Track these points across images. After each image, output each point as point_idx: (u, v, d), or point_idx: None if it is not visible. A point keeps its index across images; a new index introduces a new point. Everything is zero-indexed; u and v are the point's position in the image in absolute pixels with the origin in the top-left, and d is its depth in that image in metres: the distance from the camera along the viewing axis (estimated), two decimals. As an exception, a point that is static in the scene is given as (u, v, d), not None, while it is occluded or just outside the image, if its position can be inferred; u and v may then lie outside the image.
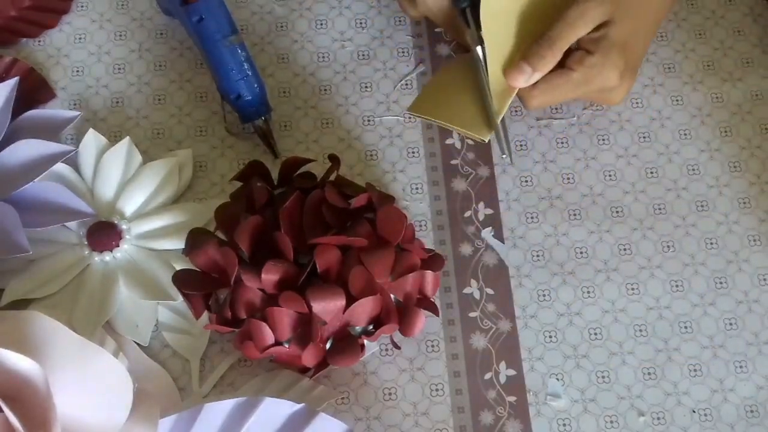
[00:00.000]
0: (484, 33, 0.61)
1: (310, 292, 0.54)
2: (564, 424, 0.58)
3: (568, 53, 0.61)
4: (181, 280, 0.58)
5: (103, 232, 0.60)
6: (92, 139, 0.64)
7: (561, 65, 0.61)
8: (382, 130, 0.67)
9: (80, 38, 0.70)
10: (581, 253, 0.63)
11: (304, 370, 0.58)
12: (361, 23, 0.71)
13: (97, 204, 0.62)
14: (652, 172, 0.66)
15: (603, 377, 0.60)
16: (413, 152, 0.66)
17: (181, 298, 0.59)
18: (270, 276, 0.55)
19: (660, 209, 0.65)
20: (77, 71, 0.69)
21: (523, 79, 0.60)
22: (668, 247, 0.63)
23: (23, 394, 0.47)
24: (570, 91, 0.62)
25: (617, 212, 0.65)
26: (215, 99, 0.67)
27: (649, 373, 0.60)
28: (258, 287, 0.55)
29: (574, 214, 0.64)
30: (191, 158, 0.65)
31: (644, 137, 0.67)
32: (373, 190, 0.60)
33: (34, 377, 0.46)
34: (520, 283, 0.62)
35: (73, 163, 0.63)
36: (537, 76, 0.60)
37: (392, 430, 0.58)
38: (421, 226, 0.64)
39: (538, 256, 0.63)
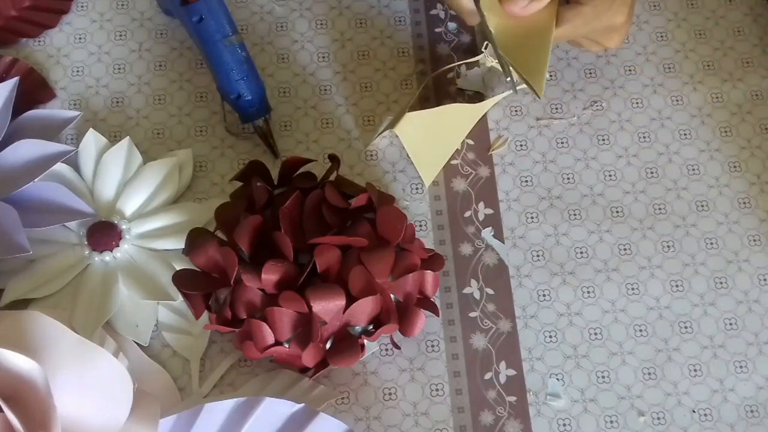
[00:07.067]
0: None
1: (310, 292, 0.54)
2: (564, 424, 0.58)
3: None
4: (181, 280, 0.58)
5: (103, 232, 0.60)
6: (92, 139, 0.64)
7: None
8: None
9: (80, 38, 0.70)
10: (581, 253, 0.63)
11: (304, 370, 0.58)
12: (361, 23, 0.71)
13: (97, 204, 0.62)
14: (652, 172, 0.66)
15: (603, 377, 0.60)
16: (413, 152, 0.66)
17: (181, 298, 0.59)
18: (270, 276, 0.55)
19: (660, 209, 0.65)
20: (77, 71, 0.69)
21: (519, 7, 0.61)
22: (668, 247, 0.63)
23: (23, 394, 0.47)
24: (579, 25, 0.62)
25: (617, 212, 0.65)
26: (215, 99, 0.67)
27: (649, 373, 0.60)
28: (258, 287, 0.55)
29: (574, 214, 0.64)
30: (191, 158, 0.65)
31: (644, 137, 0.67)
32: (373, 190, 0.60)
33: (34, 377, 0.46)
34: (520, 283, 0.62)
35: (73, 163, 0.63)
36: (534, 6, 0.61)
37: (392, 430, 0.58)
38: (421, 226, 0.64)
39: (538, 256, 0.63)
